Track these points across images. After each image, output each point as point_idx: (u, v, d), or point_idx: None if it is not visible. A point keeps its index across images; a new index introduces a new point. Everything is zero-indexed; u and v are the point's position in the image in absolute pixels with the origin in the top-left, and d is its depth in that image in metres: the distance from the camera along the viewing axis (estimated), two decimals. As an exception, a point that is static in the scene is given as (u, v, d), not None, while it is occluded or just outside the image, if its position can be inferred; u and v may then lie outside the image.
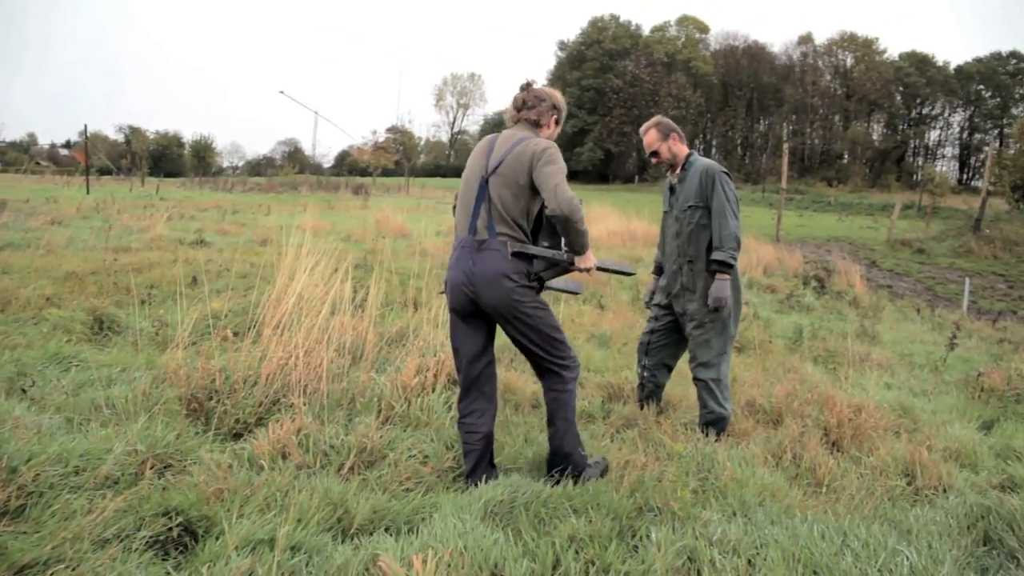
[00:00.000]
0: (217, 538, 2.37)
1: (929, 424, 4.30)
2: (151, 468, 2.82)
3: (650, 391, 4.15)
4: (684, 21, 77.87)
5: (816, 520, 2.75)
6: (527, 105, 3.11)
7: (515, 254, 2.95)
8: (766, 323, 7.31)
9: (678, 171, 3.91)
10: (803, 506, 2.95)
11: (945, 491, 3.27)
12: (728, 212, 3.67)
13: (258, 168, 72.42)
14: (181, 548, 2.40)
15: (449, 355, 4.11)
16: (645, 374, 4.14)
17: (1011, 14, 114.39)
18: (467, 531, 2.44)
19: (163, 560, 2.32)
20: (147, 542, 2.35)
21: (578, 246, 2.97)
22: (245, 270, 7.95)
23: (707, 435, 3.70)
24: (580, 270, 3.06)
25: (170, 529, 2.42)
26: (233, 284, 7.14)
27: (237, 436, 3.35)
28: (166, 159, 67.99)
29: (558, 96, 3.18)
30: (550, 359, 3.06)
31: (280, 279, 4.46)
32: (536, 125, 3.11)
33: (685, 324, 3.90)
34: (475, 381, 3.11)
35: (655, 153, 3.89)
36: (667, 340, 4.06)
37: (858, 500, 3.08)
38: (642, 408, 4.07)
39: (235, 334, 4.49)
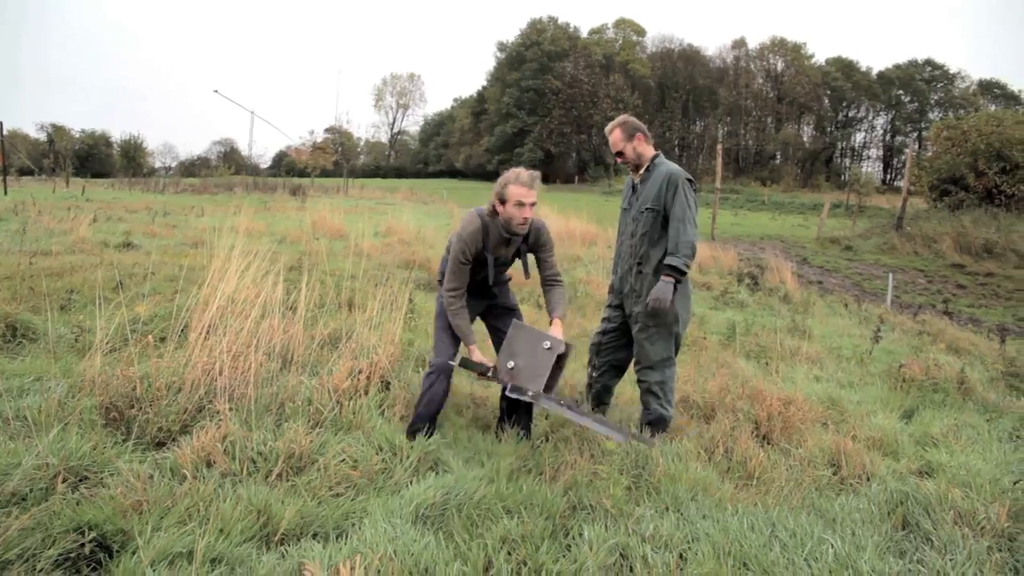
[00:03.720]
0: (133, 553, 2.25)
1: (855, 415, 4.44)
2: (63, 482, 2.68)
3: (598, 392, 4.12)
4: (621, 24, 79.07)
5: (746, 513, 2.80)
6: None
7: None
8: (701, 320, 7.44)
9: (642, 171, 3.85)
10: (734, 499, 3.00)
11: (868, 479, 3.38)
12: (687, 219, 3.61)
13: (192, 169, 69.98)
14: (94, 565, 2.28)
15: (382, 356, 4.06)
16: (594, 374, 4.11)
17: (926, 22, 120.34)
18: (397, 535, 2.39)
19: (73, 579, 2.20)
20: (56, 561, 2.23)
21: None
22: (174, 273, 7.64)
23: (643, 433, 3.72)
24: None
25: (82, 545, 2.30)
26: (160, 288, 6.88)
27: (160, 445, 3.21)
28: (93, 159, 65.03)
29: (504, 178, 3.40)
30: None
31: (209, 282, 4.30)
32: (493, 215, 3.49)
33: (632, 326, 3.89)
34: None
35: (620, 153, 3.83)
36: (619, 342, 4.04)
37: (787, 491, 3.15)
38: (592, 410, 4.03)
39: (161, 339, 4.32)
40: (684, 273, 3.61)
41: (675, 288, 3.62)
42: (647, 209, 3.75)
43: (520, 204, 3.33)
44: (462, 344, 3.56)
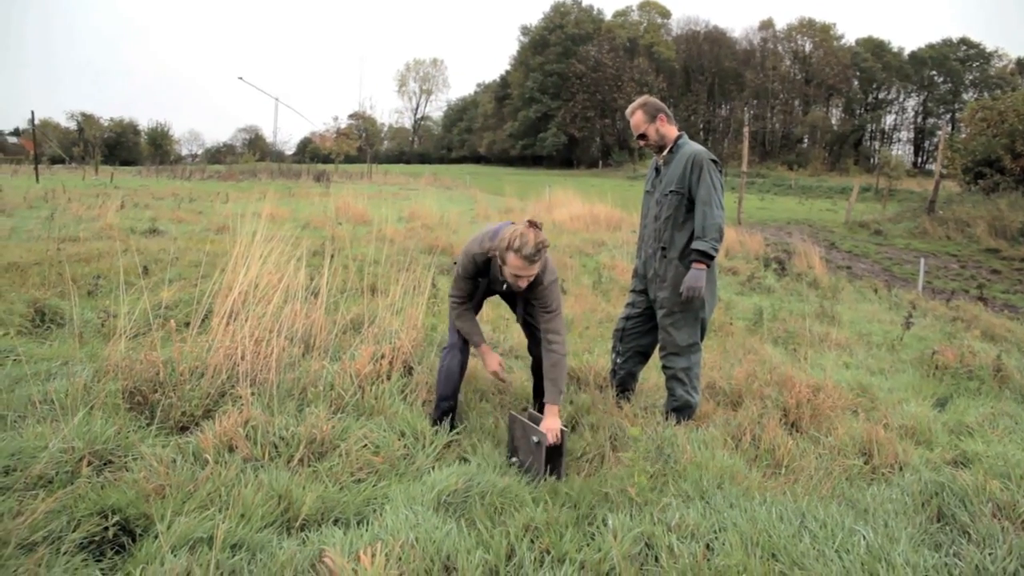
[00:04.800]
0: (155, 538, 2.25)
1: (886, 402, 4.33)
2: (88, 465, 2.69)
3: (622, 378, 4.03)
4: (646, 6, 78.06)
5: (775, 502, 2.74)
6: None
7: None
8: (727, 305, 7.33)
9: (665, 153, 3.73)
10: (762, 488, 2.93)
11: (901, 469, 3.28)
12: (714, 202, 3.49)
13: (217, 156, 70.66)
14: (117, 549, 2.28)
15: (405, 341, 4.04)
16: (619, 360, 4.00)
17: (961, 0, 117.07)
18: (419, 522, 2.36)
19: (97, 562, 2.21)
20: (80, 544, 2.23)
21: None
22: (199, 259, 7.70)
23: (669, 419, 3.66)
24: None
25: (106, 529, 2.30)
26: (185, 273, 6.94)
27: (183, 429, 3.22)
28: (121, 147, 66.05)
29: (509, 239, 3.11)
30: None
31: (231, 267, 4.31)
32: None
33: (656, 311, 3.80)
34: None
35: (643, 136, 3.70)
36: (643, 327, 3.92)
37: (816, 480, 3.07)
38: (616, 396, 3.94)
39: (185, 324, 4.34)
40: (713, 257, 3.51)
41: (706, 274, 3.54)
42: (671, 192, 3.63)
43: (516, 276, 3.12)
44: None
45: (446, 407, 3.44)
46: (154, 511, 2.37)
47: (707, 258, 3.49)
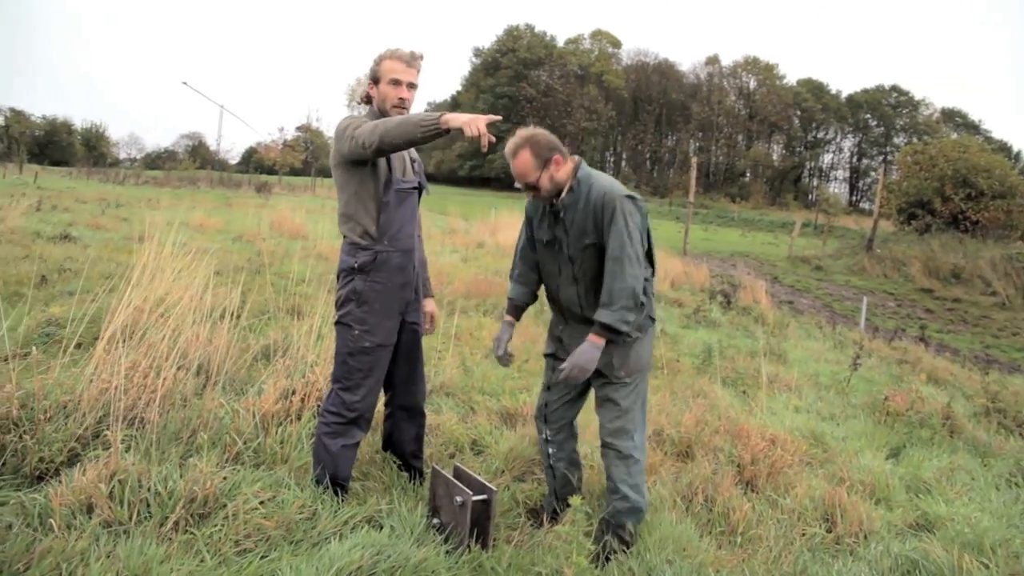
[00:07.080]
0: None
1: (841, 454, 4.05)
2: None
3: (563, 473, 2.97)
4: (597, 35, 79.34)
5: (732, 583, 2.37)
6: None
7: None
8: (674, 340, 7.06)
9: (564, 195, 2.72)
10: (717, 562, 2.57)
11: (866, 537, 2.97)
12: (627, 257, 2.57)
13: (157, 161, 68.28)
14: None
15: (319, 376, 3.58)
16: (551, 450, 2.98)
17: (894, 49, 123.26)
18: (309, 615, 1.91)
19: None
20: None
21: (418, 131, 2.41)
22: (110, 270, 7.03)
23: (606, 537, 2.70)
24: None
25: None
26: (90, 286, 6.28)
27: (39, 479, 2.68)
28: (54, 147, 63.40)
29: (379, 55, 2.80)
30: (333, 374, 2.82)
31: (136, 281, 3.77)
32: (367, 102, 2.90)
33: (596, 385, 2.84)
34: None
35: (533, 187, 2.69)
36: (569, 396, 2.97)
37: (776, 552, 2.72)
38: (554, 507, 2.98)
39: (77, 346, 3.77)
40: (620, 333, 2.59)
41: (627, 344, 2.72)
42: (588, 244, 2.69)
43: (396, 82, 2.71)
44: None
45: (344, 485, 2.81)
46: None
47: (611, 333, 2.59)
